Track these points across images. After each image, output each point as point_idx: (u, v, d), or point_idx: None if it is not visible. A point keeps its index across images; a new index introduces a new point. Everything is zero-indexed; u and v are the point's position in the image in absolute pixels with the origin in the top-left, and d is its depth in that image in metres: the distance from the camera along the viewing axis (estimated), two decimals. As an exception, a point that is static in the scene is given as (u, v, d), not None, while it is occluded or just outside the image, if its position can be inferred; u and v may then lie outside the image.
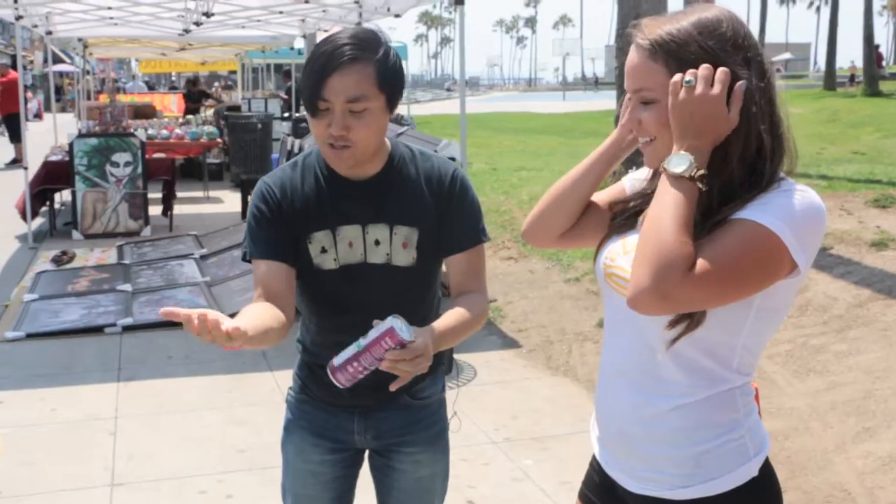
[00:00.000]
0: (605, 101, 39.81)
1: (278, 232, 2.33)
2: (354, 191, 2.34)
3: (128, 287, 7.99)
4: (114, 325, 6.94)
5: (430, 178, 2.36)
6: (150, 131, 13.24)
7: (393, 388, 2.04)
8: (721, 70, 1.73)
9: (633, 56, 1.82)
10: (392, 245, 2.33)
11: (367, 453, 2.58)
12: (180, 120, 15.67)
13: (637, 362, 1.87)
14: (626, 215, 1.99)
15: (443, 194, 2.36)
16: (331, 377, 2.01)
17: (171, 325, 6.96)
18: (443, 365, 2.61)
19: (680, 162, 1.74)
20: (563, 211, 2.05)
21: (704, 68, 1.73)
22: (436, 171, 2.38)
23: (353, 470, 2.57)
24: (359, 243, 2.33)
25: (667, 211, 1.71)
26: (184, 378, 5.91)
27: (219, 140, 13.86)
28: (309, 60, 2.20)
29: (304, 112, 15.22)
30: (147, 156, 11.23)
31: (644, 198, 1.97)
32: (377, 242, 2.33)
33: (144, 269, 8.75)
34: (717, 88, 1.72)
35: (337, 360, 2.00)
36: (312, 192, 2.35)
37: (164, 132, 13.42)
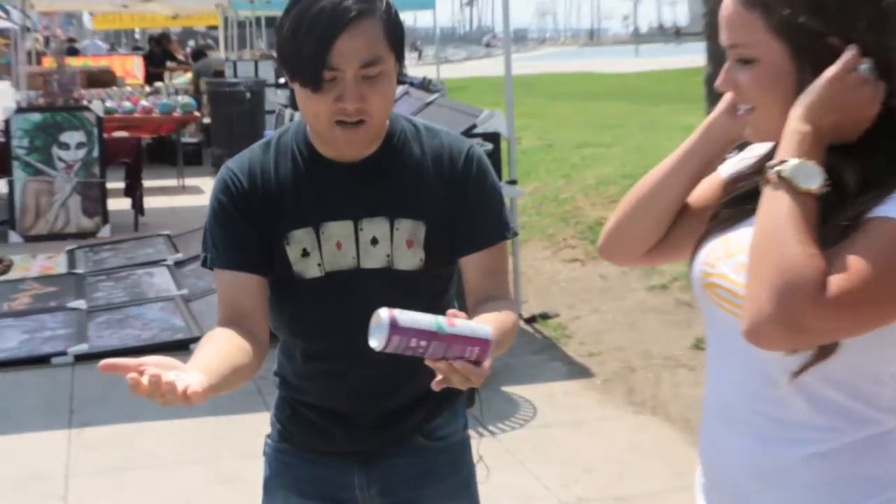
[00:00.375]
0: (691, 56, 39.65)
1: (245, 233, 2.37)
2: (343, 176, 2.37)
3: (81, 304, 7.99)
4: (63, 353, 6.94)
5: (440, 159, 2.41)
6: (109, 103, 13.36)
7: (437, 387, 1.98)
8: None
9: (725, 4, 1.86)
10: (393, 244, 2.37)
11: None
12: (147, 89, 15.75)
13: (752, 398, 1.87)
14: (728, 204, 2.00)
15: (455, 178, 2.41)
16: (385, 329, 1.89)
17: (138, 352, 6.91)
18: (462, 395, 2.61)
19: (809, 176, 1.73)
20: (650, 220, 2.09)
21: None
22: (446, 149, 2.42)
23: None
24: (350, 244, 2.37)
25: (784, 216, 1.72)
26: (156, 422, 5.84)
27: (196, 113, 13.99)
28: (297, 21, 2.22)
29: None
30: (105, 135, 11.34)
31: (750, 178, 1.97)
32: (374, 241, 2.37)
33: (103, 281, 8.76)
34: (880, 87, 1.77)
35: (402, 321, 1.90)
36: (289, 178, 2.39)
37: (127, 104, 13.56)
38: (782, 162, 1.74)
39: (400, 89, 9.75)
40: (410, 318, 1.92)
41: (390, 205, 2.36)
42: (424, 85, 20.04)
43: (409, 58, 51.46)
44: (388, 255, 2.37)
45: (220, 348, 2.16)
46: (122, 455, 5.50)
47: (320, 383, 2.22)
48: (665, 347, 6.65)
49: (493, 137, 7.24)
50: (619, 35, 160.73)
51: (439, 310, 2.35)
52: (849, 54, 1.76)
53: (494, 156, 7.19)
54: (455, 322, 1.96)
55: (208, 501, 4.98)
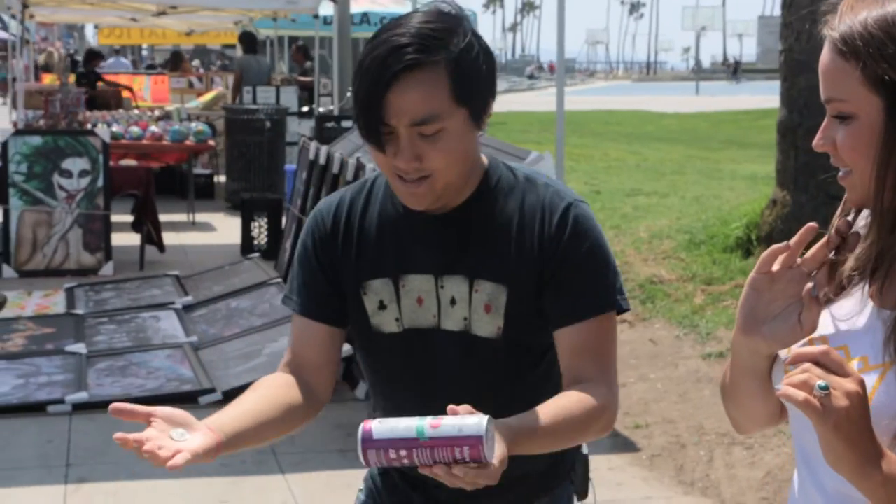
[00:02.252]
0: (761, 95, 39.68)
1: (322, 282, 2.44)
2: (428, 227, 2.38)
3: (81, 348, 8.05)
4: (61, 401, 7.00)
5: (533, 215, 2.38)
6: (116, 128, 13.37)
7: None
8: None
9: (824, 53, 1.85)
10: (472, 306, 2.37)
11: None
12: (157, 113, 15.85)
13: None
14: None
15: (548, 239, 2.36)
16: (358, 445, 2.00)
17: (141, 402, 7.00)
18: (571, 483, 2.64)
19: None
20: (753, 414, 2.08)
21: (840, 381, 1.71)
22: (541, 204, 2.39)
23: None
24: (431, 300, 2.39)
25: None
26: (159, 480, 5.91)
27: (211, 142, 14.00)
28: (360, 66, 2.25)
29: (331, 108, 15.26)
30: (112, 163, 11.38)
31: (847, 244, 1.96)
32: (453, 301, 2.38)
33: (104, 324, 8.83)
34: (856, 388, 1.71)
35: (378, 432, 1.99)
36: (374, 223, 2.43)
37: (135, 129, 13.58)
38: None
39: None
40: (389, 427, 1.98)
41: (471, 264, 2.36)
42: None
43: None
44: (466, 319, 2.38)
45: (259, 402, 2.26)
46: (122, 516, 5.56)
47: None
48: (719, 422, 6.59)
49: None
50: (678, 70, 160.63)
51: (524, 388, 2.40)
52: (785, 390, 1.71)
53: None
54: (441, 423, 1.96)
55: (215, 570, 5.03)
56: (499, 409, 2.22)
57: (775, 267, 1.85)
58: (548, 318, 2.37)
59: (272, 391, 2.32)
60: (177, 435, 1.99)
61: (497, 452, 1.98)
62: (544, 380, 2.44)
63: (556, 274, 2.35)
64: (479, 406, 2.13)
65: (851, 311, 1.91)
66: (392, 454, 1.97)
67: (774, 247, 1.85)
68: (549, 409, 2.22)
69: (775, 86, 10.47)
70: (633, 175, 17.01)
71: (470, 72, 2.24)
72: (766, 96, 31.70)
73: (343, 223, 2.45)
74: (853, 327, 1.89)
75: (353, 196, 2.48)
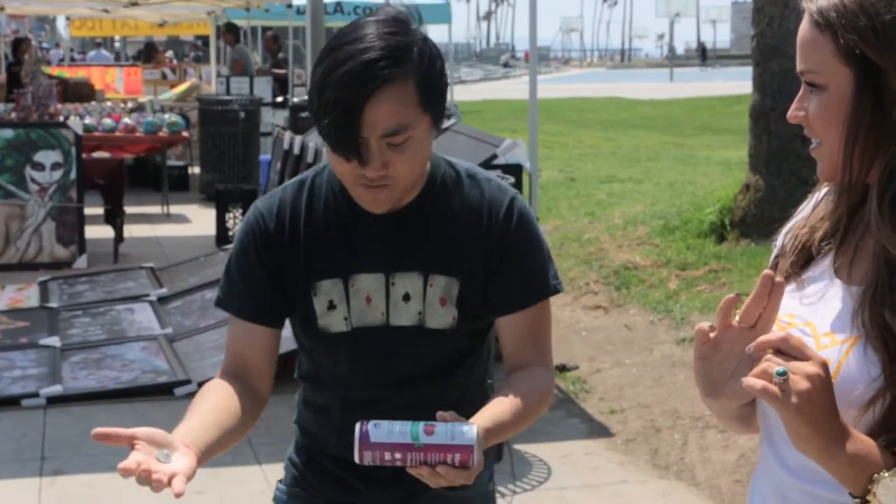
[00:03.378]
0: (735, 81, 39.79)
1: (263, 283, 2.46)
2: (377, 226, 2.43)
3: (55, 341, 8.05)
4: (35, 395, 7.00)
5: (479, 210, 2.47)
6: (89, 120, 13.35)
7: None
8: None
9: (802, 25, 1.90)
10: (426, 301, 2.45)
11: None
12: (130, 104, 15.82)
13: (817, 485, 1.88)
14: (799, 246, 2.02)
15: (493, 232, 2.47)
16: (356, 445, 2.12)
17: (116, 395, 7.02)
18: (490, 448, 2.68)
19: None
20: (735, 426, 2.15)
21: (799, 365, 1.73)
22: (486, 200, 2.48)
23: None
24: (380, 298, 2.44)
25: None
26: (134, 473, 5.94)
27: (185, 133, 13.99)
28: (324, 80, 2.25)
29: (305, 97, 15.34)
30: (84, 155, 11.33)
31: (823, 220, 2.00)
32: (406, 297, 2.43)
33: (79, 316, 8.81)
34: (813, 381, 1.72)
35: (376, 435, 2.11)
36: (320, 224, 2.46)
37: (108, 121, 13.54)
38: (866, 501, 1.75)
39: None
40: (385, 430, 2.10)
41: (425, 260, 2.43)
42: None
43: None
44: (420, 313, 2.44)
45: (220, 414, 2.29)
46: (97, 508, 5.54)
47: (342, 435, 2.24)
48: (694, 407, 6.65)
49: (515, 170, 7.33)
50: (652, 57, 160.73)
51: (474, 367, 2.54)
52: (746, 381, 1.73)
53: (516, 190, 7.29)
54: (435, 429, 2.09)
55: (191, 561, 5.04)
56: (443, 391, 2.45)
57: (712, 335, 1.86)
58: (492, 305, 2.48)
59: (226, 402, 2.34)
60: (162, 456, 2.02)
61: (479, 457, 2.12)
62: (480, 358, 2.58)
63: (502, 264, 2.46)
64: (429, 390, 2.39)
65: (818, 288, 1.94)
66: (387, 456, 2.10)
67: (700, 326, 1.85)
68: (511, 404, 2.34)
69: (749, 72, 10.52)
70: (608, 162, 17.06)
71: (434, 81, 2.30)
72: (740, 82, 31.82)
73: (287, 225, 2.45)
74: (819, 304, 1.92)
75: (293, 197, 2.48)
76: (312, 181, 2.49)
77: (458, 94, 29.18)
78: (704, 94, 39.12)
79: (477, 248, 2.45)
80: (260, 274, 2.45)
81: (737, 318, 1.84)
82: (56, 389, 7.05)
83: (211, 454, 2.20)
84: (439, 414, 2.12)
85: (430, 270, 2.43)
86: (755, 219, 9.30)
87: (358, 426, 2.11)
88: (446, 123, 9.08)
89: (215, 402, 2.33)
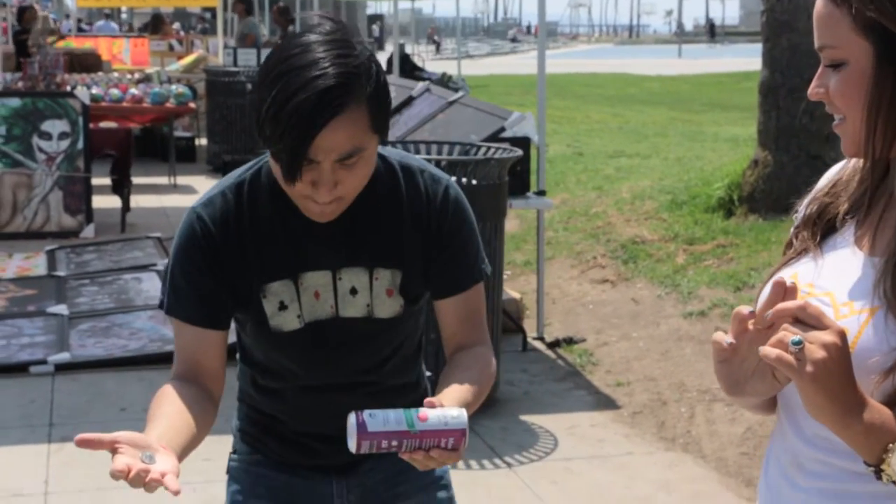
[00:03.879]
0: (744, 58, 39.75)
1: (210, 287, 2.46)
2: (321, 225, 2.45)
3: (63, 309, 8.09)
4: (43, 362, 7.03)
5: (416, 202, 2.53)
6: (96, 90, 13.35)
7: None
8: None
9: (817, 1, 1.88)
10: (373, 293, 2.52)
11: None
12: (137, 75, 15.81)
13: (833, 454, 1.89)
14: (818, 215, 2.02)
15: (430, 223, 2.53)
16: (353, 435, 2.18)
17: (124, 363, 7.05)
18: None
19: None
20: (759, 408, 2.10)
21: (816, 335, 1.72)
22: (422, 191, 2.54)
23: None
24: (328, 293, 2.49)
25: None
26: (142, 440, 5.97)
27: (191, 104, 13.98)
28: (280, 102, 2.22)
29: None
30: (92, 125, 11.35)
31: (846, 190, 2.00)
32: (353, 291, 2.50)
33: (86, 285, 8.86)
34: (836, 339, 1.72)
35: (373, 425, 2.17)
36: (265, 227, 2.47)
37: (115, 92, 13.55)
38: (880, 469, 1.76)
39: (420, 86, 9.90)
40: (381, 419, 2.17)
41: (369, 255, 2.49)
42: (443, 82, 20.18)
43: (427, 51, 51.41)
44: (369, 305, 2.50)
45: (182, 417, 2.31)
46: (105, 474, 5.54)
47: (300, 414, 2.37)
48: (701, 380, 6.66)
49: (523, 143, 7.32)
50: (660, 33, 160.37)
51: (416, 348, 2.67)
52: (761, 350, 1.73)
53: (524, 163, 7.29)
54: (428, 416, 2.18)
55: (199, 527, 5.01)
56: (393, 370, 2.58)
57: (728, 344, 1.84)
58: (432, 289, 2.57)
59: (188, 404, 2.35)
60: (146, 458, 2.04)
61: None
62: (418, 351, 2.70)
63: (440, 250, 2.53)
64: (379, 373, 2.53)
65: (838, 258, 1.94)
66: (384, 444, 2.18)
67: (717, 338, 1.83)
68: (470, 385, 2.40)
69: (758, 48, 10.49)
70: (616, 137, 17.03)
71: (384, 102, 2.33)
72: (748, 59, 31.76)
73: (233, 231, 2.45)
74: (839, 273, 1.91)
75: (233, 199, 2.46)
76: (251, 183, 2.48)
77: (465, 68, 29.12)
78: (713, 70, 39.04)
79: (416, 238, 2.51)
80: (209, 279, 2.44)
81: (751, 325, 1.82)
82: (64, 357, 7.09)
83: (184, 455, 2.22)
84: (427, 400, 2.20)
85: (375, 265, 2.49)
86: (763, 194, 9.29)
87: (353, 417, 2.16)
88: (454, 97, 9.12)
89: (179, 406, 2.33)
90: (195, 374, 2.44)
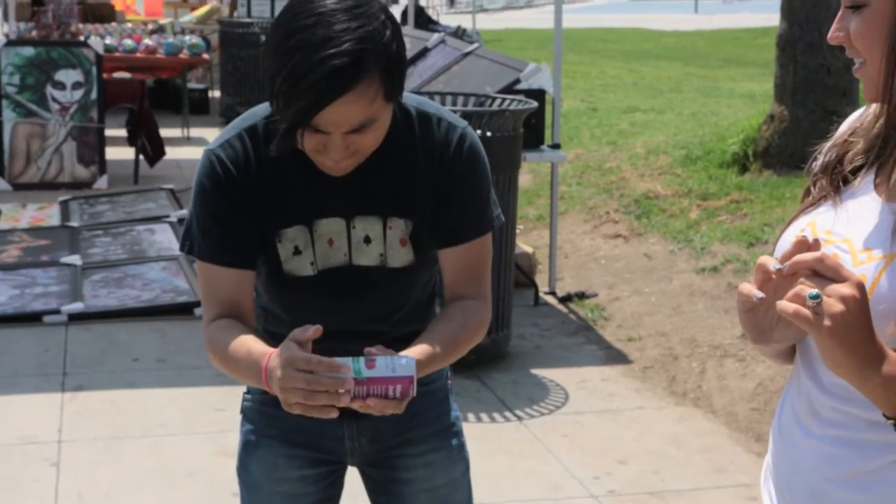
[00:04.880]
0: (762, 14, 39.43)
1: (240, 225, 2.47)
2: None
3: (76, 260, 8.13)
4: (57, 311, 7.08)
5: (431, 150, 2.51)
6: (109, 41, 13.31)
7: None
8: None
9: None
10: (387, 242, 2.52)
11: (357, 473, 2.79)
12: (150, 26, 15.78)
13: (849, 402, 1.89)
14: (837, 162, 2.02)
15: (444, 170, 2.51)
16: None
17: (137, 313, 7.09)
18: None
19: None
20: (785, 356, 2.10)
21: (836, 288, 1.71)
22: (437, 138, 2.51)
23: (337, 491, 2.80)
24: (342, 240, 2.50)
25: None
26: (156, 389, 6.03)
27: (205, 56, 13.96)
28: (294, 77, 2.20)
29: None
30: (105, 75, 11.34)
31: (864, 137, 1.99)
32: (367, 240, 2.50)
33: (99, 236, 8.89)
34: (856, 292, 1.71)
35: (367, 370, 2.19)
36: (280, 172, 2.46)
37: (129, 42, 13.49)
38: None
39: (436, 37, 9.86)
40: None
41: (383, 204, 2.49)
42: (459, 34, 20.10)
43: (441, 4, 51.17)
44: (382, 254, 2.51)
45: (246, 337, 2.39)
46: (118, 422, 5.62)
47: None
48: (712, 335, 6.69)
49: (538, 95, 7.31)
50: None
51: (428, 298, 2.68)
52: (779, 305, 1.72)
53: (538, 115, 7.29)
54: (375, 362, 2.18)
55: (209, 475, 5.05)
56: (404, 318, 2.58)
57: (759, 296, 1.83)
58: (436, 236, 2.55)
59: (244, 330, 2.44)
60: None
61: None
62: (431, 300, 2.71)
63: (449, 197, 2.52)
64: (391, 320, 2.53)
65: (856, 206, 1.93)
66: (374, 388, 2.20)
67: (742, 290, 1.83)
68: (442, 337, 2.43)
69: (774, 5, 10.43)
70: (630, 92, 16.95)
71: (399, 70, 2.29)
72: (765, 14, 31.56)
73: (251, 172, 2.45)
74: (858, 220, 1.91)
75: (250, 142, 2.46)
76: (265, 127, 2.46)
77: (480, 22, 28.97)
78: (729, 26, 38.79)
79: (428, 185, 2.50)
80: (238, 220, 2.45)
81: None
82: (77, 307, 7.13)
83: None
84: (367, 350, 2.21)
85: (389, 214, 2.49)
86: (779, 149, 9.26)
87: (365, 356, 2.20)
88: (469, 48, 9.09)
89: (240, 332, 2.41)
90: (235, 315, 2.46)
